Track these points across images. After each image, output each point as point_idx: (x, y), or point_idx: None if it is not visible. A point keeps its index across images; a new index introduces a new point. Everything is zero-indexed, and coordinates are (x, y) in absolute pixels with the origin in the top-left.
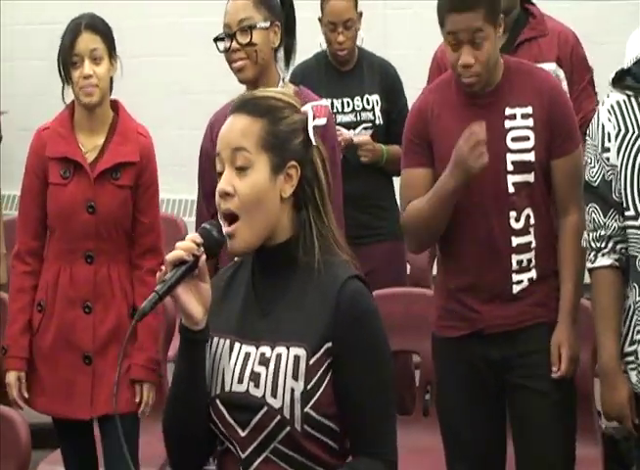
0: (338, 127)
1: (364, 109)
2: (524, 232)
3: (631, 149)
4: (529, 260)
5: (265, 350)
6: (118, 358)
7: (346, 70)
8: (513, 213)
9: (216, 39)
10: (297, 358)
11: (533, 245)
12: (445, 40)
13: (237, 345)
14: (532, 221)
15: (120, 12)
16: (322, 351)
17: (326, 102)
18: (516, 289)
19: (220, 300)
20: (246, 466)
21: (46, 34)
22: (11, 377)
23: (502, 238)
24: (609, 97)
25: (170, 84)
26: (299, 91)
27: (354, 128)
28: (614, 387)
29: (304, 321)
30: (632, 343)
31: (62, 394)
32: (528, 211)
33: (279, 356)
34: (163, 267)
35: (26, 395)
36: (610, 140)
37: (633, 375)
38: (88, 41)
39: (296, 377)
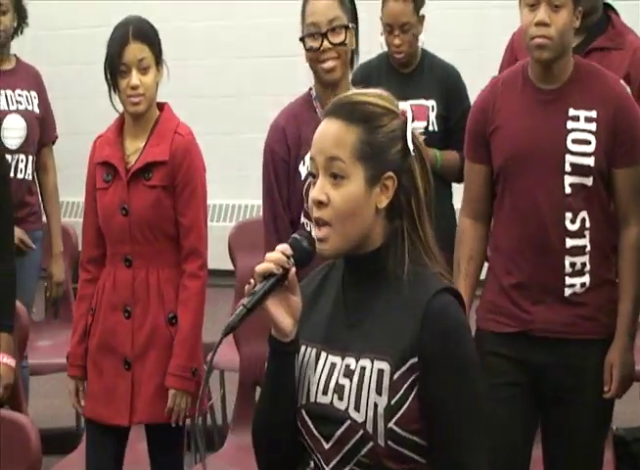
0: None
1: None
2: (579, 235)
3: None
4: (583, 264)
5: (350, 361)
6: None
7: (406, 72)
8: (569, 215)
9: (302, 39)
10: (380, 372)
11: (588, 249)
12: (523, 2)
13: (323, 354)
14: (588, 225)
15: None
16: (407, 366)
17: (426, 102)
18: (567, 292)
19: (310, 306)
20: None
21: (77, 39)
22: (70, 385)
23: (556, 238)
24: None
25: (181, 88)
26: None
27: None
28: None
29: (390, 334)
30: None
31: (104, 398)
32: (584, 214)
33: (363, 369)
34: (252, 280)
35: (82, 403)
36: None
37: None
38: (136, 51)
39: (379, 392)
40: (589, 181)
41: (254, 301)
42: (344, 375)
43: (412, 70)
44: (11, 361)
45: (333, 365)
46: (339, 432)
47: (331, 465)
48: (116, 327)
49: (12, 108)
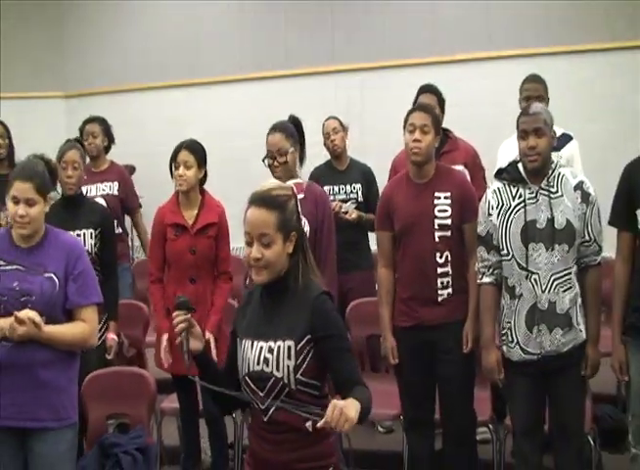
0: (336, 202)
1: (351, 192)
2: (444, 265)
3: (505, 214)
4: (448, 282)
5: (271, 343)
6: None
7: (341, 169)
8: (437, 254)
9: (264, 158)
10: (289, 347)
11: (450, 272)
12: (406, 129)
13: (255, 342)
14: (449, 258)
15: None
16: (305, 340)
17: (300, 180)
18: (440, 299)
19: (243, 315)
20: (265, 412)
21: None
22: (163, 340)
23: (431, 269)
24: (492, 183)
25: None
26: (310, 184)
27: (345, 202)
28: (488, 353)
29: (292, 324)
30: (503, 328)
31: (176, 360)
32: (447, 252)
33: (279, 347)
34: (179, 338)
35: (170, 360)
36: (493, 209)
37: (504, 348)
38: (184, 156)
39: (290, 357)
40: (449, 233)
41: (186, 347)
42: (268, 352)
43: (344, 168)
44: (116, 337)
45: (261, 347)
46: (268, 384)
47: (265, 404)
48: None
49: (98, 193)
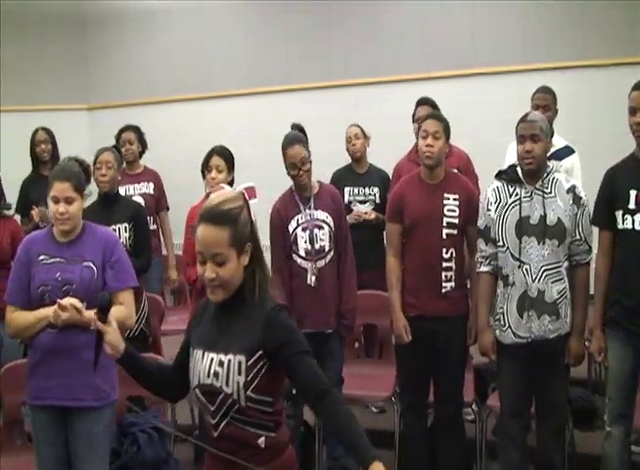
0: (359, 208)
1: (369, 194)
2: (449, 260)
3: (502, 210)
4: (451, 276)
5: (221, 356)
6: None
7: (361, 172)
8: (444, 249)
9: (288, 172)
10: (240, 362)
11: (453, 267)
12: (420, 134)
13: (206, 353)
14: (454, 254)
15: None
16: (256, 356)
17: (251, 184)
18: (444, 291)
19: (197, 323)
20: (216, 427)
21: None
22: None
23: (437, 262)
24: (493, 183)
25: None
26: (320, 182)
27: (364, 203)
28: (483, 336)
29: (244, 338)
30: (496, 314)
31: None
32: (452, 249)
33: (230, 361)
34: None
35: None
36: (491, 205)
37: (497, 332)
38: (216, 161)
39: (240, 373)
40: (455, 232)
41: (96, 354)
42: (218, 365)
43: (364, 171)
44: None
45: (212, 359)
46: (218, 399)
47: (215, 419)
48: None
49: (136, 193)
